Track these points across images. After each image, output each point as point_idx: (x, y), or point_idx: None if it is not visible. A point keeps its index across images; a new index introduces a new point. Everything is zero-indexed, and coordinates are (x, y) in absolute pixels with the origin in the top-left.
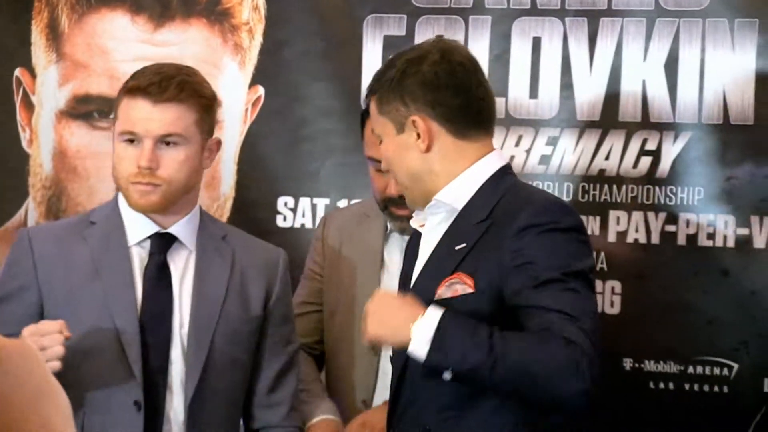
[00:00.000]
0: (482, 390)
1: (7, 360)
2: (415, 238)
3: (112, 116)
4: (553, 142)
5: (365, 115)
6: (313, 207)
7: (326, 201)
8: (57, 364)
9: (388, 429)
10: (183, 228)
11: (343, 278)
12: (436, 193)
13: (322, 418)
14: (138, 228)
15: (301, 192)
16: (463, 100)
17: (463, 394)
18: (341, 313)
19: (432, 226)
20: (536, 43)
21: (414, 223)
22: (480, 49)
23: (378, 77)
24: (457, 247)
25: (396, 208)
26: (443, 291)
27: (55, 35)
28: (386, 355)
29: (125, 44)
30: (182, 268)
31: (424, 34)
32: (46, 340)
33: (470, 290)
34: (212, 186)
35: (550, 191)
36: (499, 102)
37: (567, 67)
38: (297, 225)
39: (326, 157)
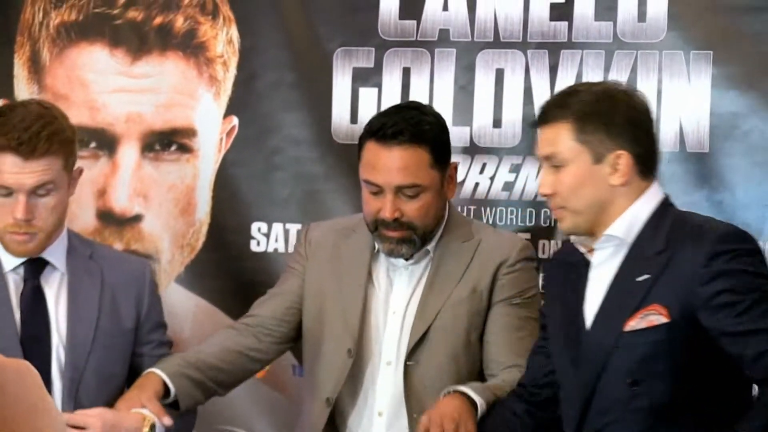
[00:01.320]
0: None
1: (4, 378)
2: (566, 271)
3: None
4: (515, 169)
5: (364, 139)
6: (286, 232)
7: (298, 226)
8: None
9: None
10: (53, 252)
11: (328, 286)
12: (606, 225)
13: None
14: (9, 256)
15: (274, 218)
16: (653, 142)
17: (663, 419)
18: (323, 318)
19: (601, 260)
20: (499, 75)
21: (579, 247)
22: (445, 81)
23: (564, 104)
24: (639, 279)
25: (386, 230)
26: (636, 323)
27: (36, 68)
28: (372, 364)
29: (104, 76)
30: (56, 290)
31: (391, 66)
32: None
33: (665, 320)
34: (188, 212)
35: (513, 217)
36: (464, 131)
37: (529, 98)
38: (270, 250)
39: (298, 184)
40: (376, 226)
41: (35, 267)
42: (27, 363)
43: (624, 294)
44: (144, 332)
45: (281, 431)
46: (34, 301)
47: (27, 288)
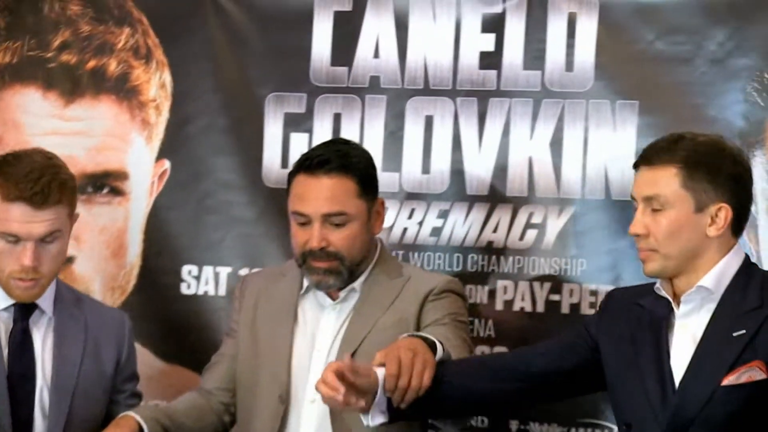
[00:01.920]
0: None
1: None
2: (638, 313)
3: None
4: (444, 215)
5: (292, 175)
6: (216, 275)
7: (228, 269)
8: None
9: None
10: (43, 297)
11: (257, 332)
12: (690, 275)
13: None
14: (1, 297)
15: (204, 261)
16: (750, 201)
17: None
18: (253, 365)
19: (686, 311)
20: (428, 122)
21: (662, 293)
22: (375, 127)
23: (673, 149)
24: (735, 334)
25: (314, 261)
26: (735, 378)
27: None
28: (297, 404)
29: (37, 119)
30: (43, 332)
31: (322, 112)
32: None
33: (764, 376)
34: (119, 254)
35: (440, 261)
36: (393, 176)
37: (458, 144)
38: (200, 292)
39: (229, 228)
40: (305, 258)
41: (25, 310)
42: None
43: (721, 348)
44: (120, 380)
45: None
46: (23, 342)
47: (16, 329)
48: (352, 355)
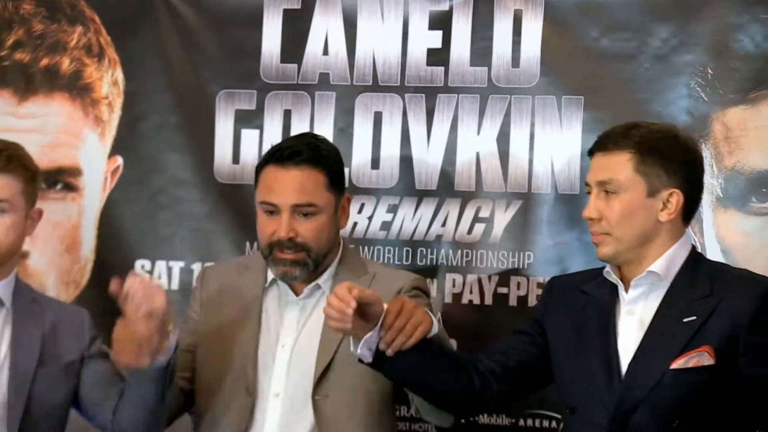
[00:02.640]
0: None
1: None
2: (584, 300)
3: None
4: (393, 209)
5: (261, 166)
6: (169, 269)
7: (181, 264)
8: None
9: None
10: (2, 289)
11: (222, 325)
12: (641, 260)
13: None
14: None
15: (157, 255)
16: (701, 189)
17: None
18: (219, 357)
19: (635, 296)
20: (377, 118)
21: (612, 278)
22: (325, 123)
23: (627, 135)
24: (685, 320)
25: (280, 252)
26: (683, 362)
27: None
28: (263, 397)
29: None
30: (1, 325)
31: (272, 108)
32: None
33: (712, 362)
34: (73, 249)
35: (390, 255)
36: None
37: (406, 140)
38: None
39: (181, 223)
40: (271, 249)
41: None
42: None
43: (670, 333)
44: (92, 363)
45: None
46: None
47: None
48: (330, 361)
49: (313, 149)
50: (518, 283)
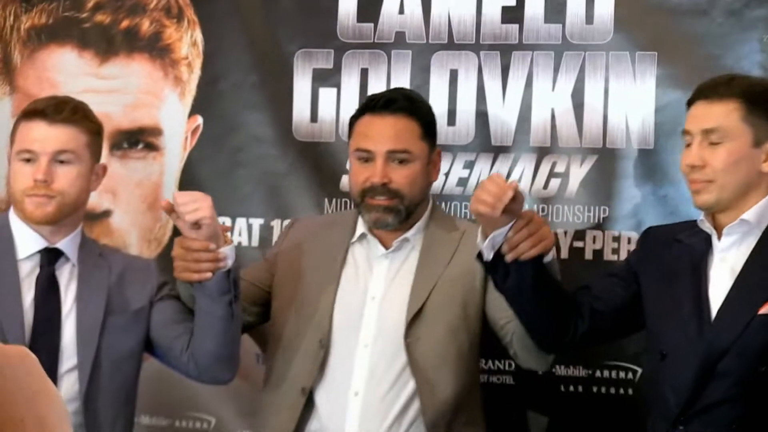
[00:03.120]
0: None
1: (7, 364)
2: (678, 248)
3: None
4: (469, 165)
5: (355, 118)
6: (249, 227)
7: (261, 221)
8: None
9: (676, 423)
10: (69, 244)
11: (301, 277)
12: (741, 210)
13: None
14: (28, 244)
15: (237, 213)
16: None
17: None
18: (294, 309)
19: (727, 245)
20: (453, 75)
21: (705, 227)
22: (401, 81)
23: (733, 84)
24: None
25: (373, 199)
26: None
27: (8, 69)
28: (342, 349)
29: (73, 78)
30: (67, 279)
31: (350, 67)
32: None
33: None
34: (154, 208)
35: (467, 211)
36: None
37: (482, 97)
38: (234, 243)
39: (260, 181)
40: (363, 196)
41: (51, 256)
42: (26, 349)
43: (760, 279)
44: (163, 305)
45: (245, 416)
46: (49, 287)
47: (42, 275)
48: (422, 307)
49: (408, 99)
50: (594, 238)
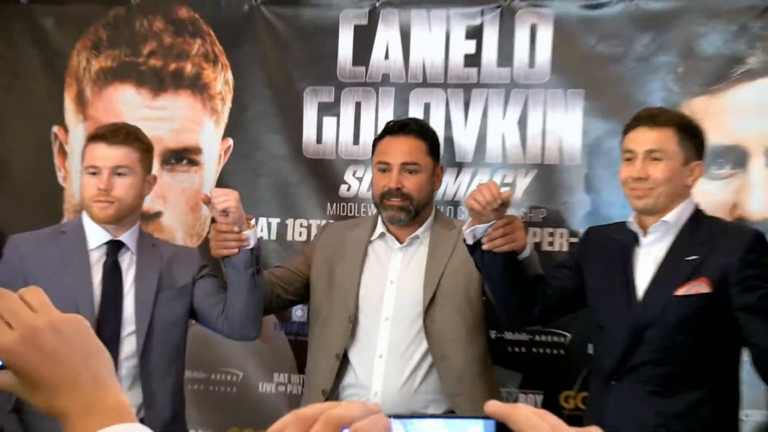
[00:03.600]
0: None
1: (66, 328)
2: (610, 244)
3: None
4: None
5: (378, 140)
6: (269, 224)
7: (277, 220)
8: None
9: (610, 378)
10: (129, 237)
11: (332, 267)
12: (666, 212)
13: None
14: (97, 237)
15: (259, 213)
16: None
17: (691, 361)
18: (327, 292)
19: (651, 240)
20: (426, 107)
21: (633, 227)
22: (387, 112)
23: (669, 116)
24: (688, 258)
25: (390, 200)
26: (686, 290)
27: (81, 102)
28: (368, 323)
29: (132, 109)
30: (128, 264)
31: (347, 101)
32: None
33: (708, 290)
34: (196, 210)
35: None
36: None
37: (448, 125)
38: (255, 228)
39: (277, 189)
40: (383, 198)
41: (115, 247)
42: (80, 316)
43: (676, 268)
44: (204, 279)
45: (266, 371)
46: (113, 270)
47: (108, 261)
48: (434, 294)
49: (418, 124)
50: (534, 233)
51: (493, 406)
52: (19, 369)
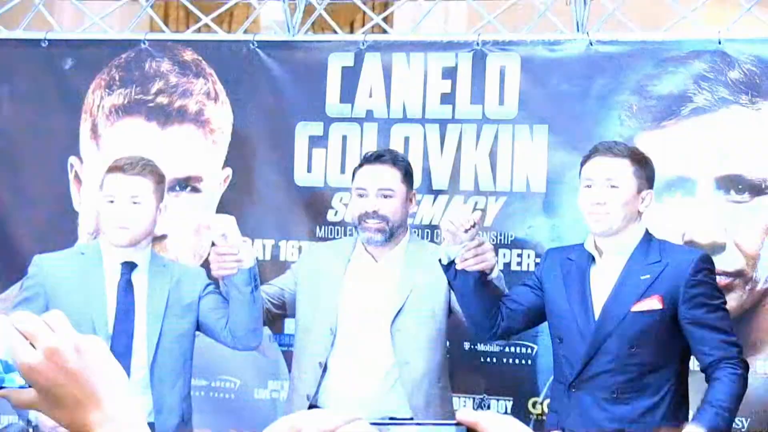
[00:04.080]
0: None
1: (84, 348)
2: (567, 264)
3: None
4: (417, 203)
5: (357, 168)
6: (263, 245)
7: (272, 241)
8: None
9: (570, 387)
10: (141, 258)
11: (314, 284)
12: (619, 235)
13: None
14: (113, 258)
15: (255, 235)
16: None
17: (645, 371)
18: (311, 307)
19: (606, 261)
20: (406, 141)
21: (590, 248)
22: (370, 144)
23: (623, 148)
24: (642, 277)
25: (367, 222)
26: (640, 306)
27: (95, 134)
28: (347, 333)
29: (141, 141)
30: (140, 283)
31: (334, 135)
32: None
33: (660, 307)
34: (199, 233)
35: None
36: None
37: (426, 156)
38: (252, 248)
39: (271, 213)
40: (360, 220)
41: (128, 267)
42: (98, 337)
43: (631, 287)
44: (211, 296)
45: (261, 379)
46: (127, 288)
47: (123, 280)
48: (402, 307)
49: (392, 154)
50: (504, 254)
51: (463, 413)
52: (41, 387)
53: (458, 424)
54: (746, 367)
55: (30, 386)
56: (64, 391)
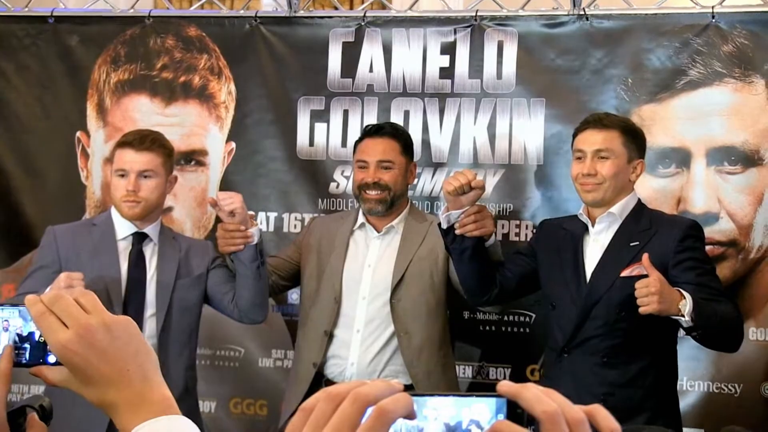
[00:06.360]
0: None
1: (116, 328)
2: (562, 233)
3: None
4: (417, 176)
5: (358, 141)
6: (267, 218)
7: (275, 214)
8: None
9: (562, 352)
10: (152, 230)
11: (320, 254)
12: (612, 204)
13: None
14: (124, 229)
15: (258, 208)
16: None
17: (634, 336)
18: (316, 276)
19: (599, 230)
20: (406, 115)
21: (583, 218)
22: (371, 119)
23: (614, 119)
24: (631, 244)
25: (368, 192)
26: (629, 272)
27: (101, 110)
28: (350, 303)
29: (146, 116)
30: (150, 253)
31: (335, 109)
32: (74, 282)
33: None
34: (202, 205)
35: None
36: None
37: (426, 130)
38: (258, 226)
39: (274, 186)
40: (361, 190)
41: (139, 238)
42: (129, 318)
43: (620, 253)
44: (216, 269)
45: (265, 348)
46: (137, 259)
47: (134, 250)
48: (402, 277)
49: (392, 127)
50: (503, 225)
51: (504, 385)
52: (73, 365)
53: (498, 395)
54: (740, 315)
55: (61, 364)
56: (95, 369)
